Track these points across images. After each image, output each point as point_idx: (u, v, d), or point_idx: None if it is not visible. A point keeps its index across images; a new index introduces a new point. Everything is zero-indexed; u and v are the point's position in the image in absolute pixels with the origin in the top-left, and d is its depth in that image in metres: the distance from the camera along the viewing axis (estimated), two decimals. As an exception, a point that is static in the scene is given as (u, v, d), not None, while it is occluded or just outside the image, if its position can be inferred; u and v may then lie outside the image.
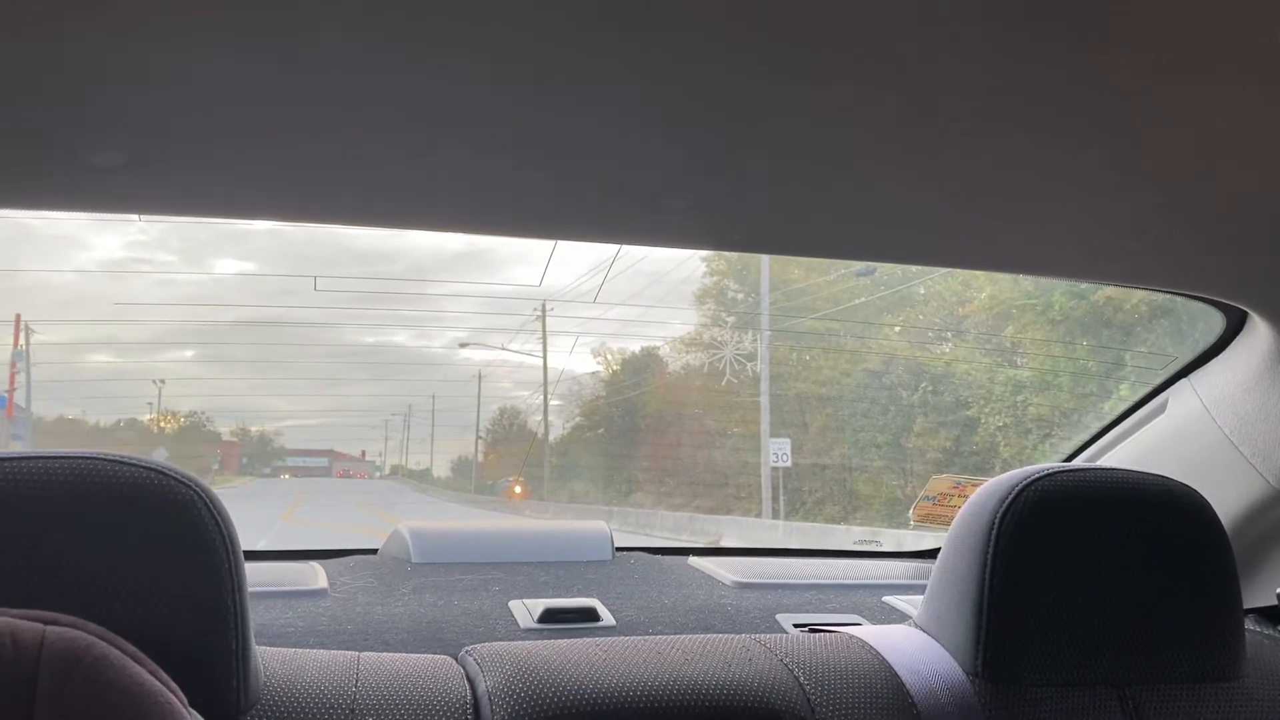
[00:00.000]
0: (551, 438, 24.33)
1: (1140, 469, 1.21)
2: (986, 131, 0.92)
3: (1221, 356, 1.52)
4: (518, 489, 24.53)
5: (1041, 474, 1.15)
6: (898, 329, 16.04)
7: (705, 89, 0.84)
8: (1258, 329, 1.43)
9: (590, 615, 1.37)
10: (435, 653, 1.12)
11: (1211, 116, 0.88)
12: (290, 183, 1.02)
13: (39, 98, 0.83)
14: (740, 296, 19.61)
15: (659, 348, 21.88)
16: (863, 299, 15.84)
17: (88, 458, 0.88)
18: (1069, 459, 1.76)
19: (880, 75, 0.81)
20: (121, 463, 0.89)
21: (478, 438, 29.64)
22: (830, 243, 1.27)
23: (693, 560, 1.72)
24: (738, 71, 0.81)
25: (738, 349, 17.84)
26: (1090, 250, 1.25)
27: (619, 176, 1.02)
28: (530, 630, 1.32)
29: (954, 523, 1.20)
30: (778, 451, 14.83)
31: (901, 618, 1.46)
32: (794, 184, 1.05)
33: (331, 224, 1.14)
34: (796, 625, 1.41)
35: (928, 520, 1.89)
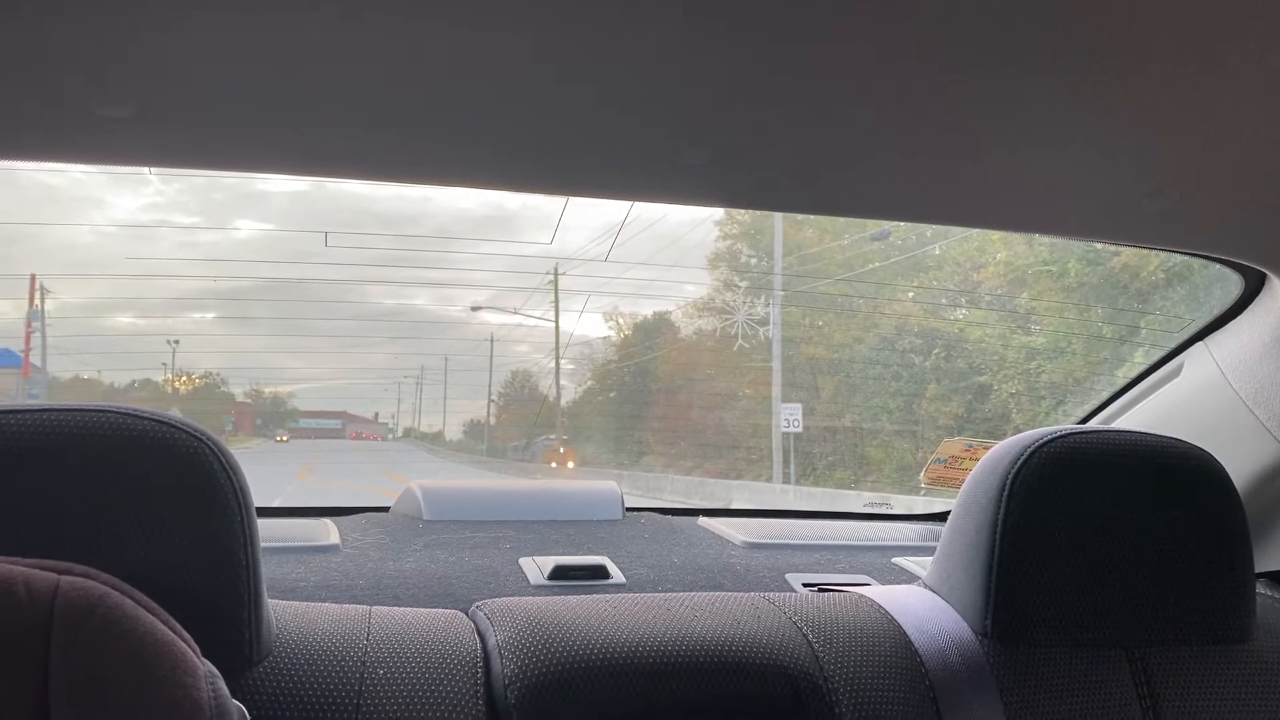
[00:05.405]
0: (563, 401, 24.34)
1: (1154, 432, 1.20)
2: (1004, 87, 0.90)
3: (1239, 319, 1.50)
4: (561, 450, 21.47)
5: (1055, 435, 1.14)
6: (911, 294, 15.96)
7: (720, 44, 0.83)
8: (1276, 292, 1.41)
9: (600, 573, 1.37)
10: (446, 608, 1.12)
11: (1233, 75, 0.86)
12: (300, 136, 1.02)
13: (47, 47, 0.82)
14: (754, 261, 19.53)
15: (671, 312, 21.85)
16: (877, 264, 15.76)
17: (100, 410, 0.89)
18: (1083, 421, 1.75)
19: (893, 27, 0.80)
20: (133, 415, 0.89)
21: (490, 401, 29.74)
22: (844, 200, 1.26)
23: (702, 520, 1.73)
24: (752, 26, 0.80)
25: (750, 314, 17.79)
26: (1108, 210, 1.23)
27: (634, 132, 1.01)
28: (540, 587, 1.32)
29: (965, 483, 1.19)
30: (789, 417, 14.83)
31: (911, 579, 1.46)
32: (809, 140, 1.03)
33: (342, 178, 1.14)
34: (805, 585, 1.41)
35: (938, 483, 1.89)
